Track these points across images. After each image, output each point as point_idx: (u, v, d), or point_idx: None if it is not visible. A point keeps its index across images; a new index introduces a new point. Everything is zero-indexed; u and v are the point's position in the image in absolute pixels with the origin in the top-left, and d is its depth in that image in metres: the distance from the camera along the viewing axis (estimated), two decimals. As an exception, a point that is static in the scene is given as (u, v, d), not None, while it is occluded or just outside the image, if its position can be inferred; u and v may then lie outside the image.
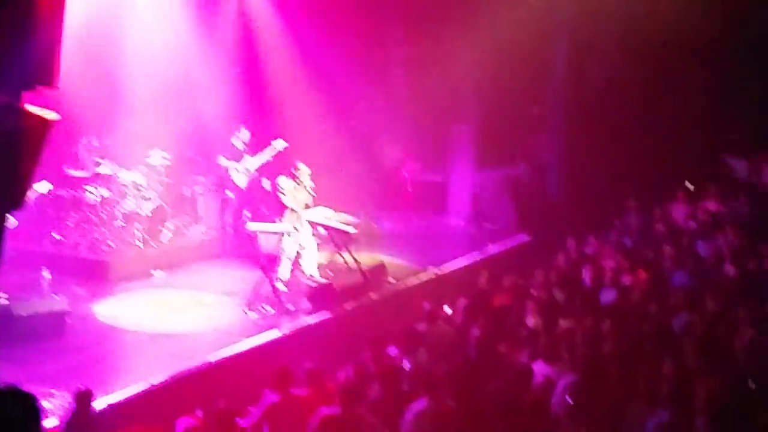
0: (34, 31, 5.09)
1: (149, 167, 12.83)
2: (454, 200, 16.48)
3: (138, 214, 12.35)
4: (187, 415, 7.07)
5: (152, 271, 12.04)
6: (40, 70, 5.14)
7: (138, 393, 8.25)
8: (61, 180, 12.18)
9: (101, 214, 12.18)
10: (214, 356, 9.26)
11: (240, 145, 13.21)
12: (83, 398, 6.93)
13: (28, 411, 3.19)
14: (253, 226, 11.71)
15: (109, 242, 12.10)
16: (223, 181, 13.42)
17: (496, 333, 8.74)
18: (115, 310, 10.74)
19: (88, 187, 12.20)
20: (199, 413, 7.28)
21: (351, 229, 12.10)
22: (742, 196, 14.41)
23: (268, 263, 11.10)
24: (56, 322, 9.66)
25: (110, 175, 12.36)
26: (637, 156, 15.66)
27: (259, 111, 14.57)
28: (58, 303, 9.85)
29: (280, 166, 12.45)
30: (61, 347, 9.37)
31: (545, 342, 8.03)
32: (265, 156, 13.06)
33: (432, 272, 12.68)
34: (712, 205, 14.39)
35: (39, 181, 10.97)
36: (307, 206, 11.66)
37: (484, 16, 14.83)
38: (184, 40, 13.81)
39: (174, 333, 10.07)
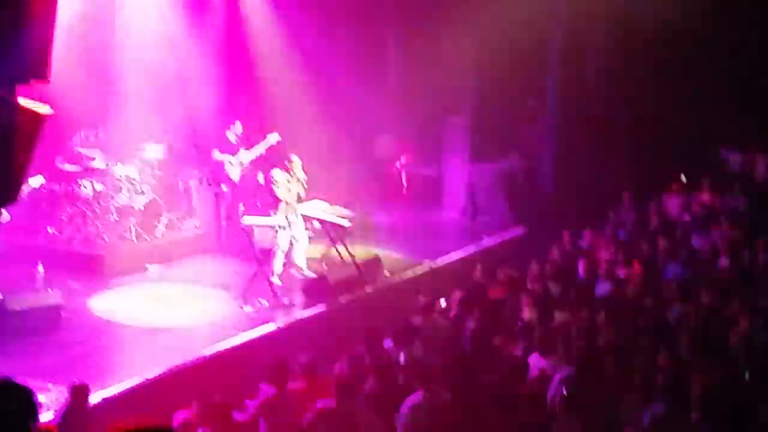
0: (27, 25, 5.07)
1: (143, 161, 12.80)
2: (448, 193, 16.48)
3: (132, 208, 12.32)
4: (183, 408, 7.07)
5: (147, 265, 12.02)
6: (34, 63, 5.12)
7: (133, 387, 8.24)
8: (54, 174, 12.14)
9: (95, 209, 12.15)
10: (210, 350, 9.25)
11: (233, 139, 13.19)
12: (79, 392, 6.93)
13: (24, 404, 3.19)
14: (248, 219, 11.70)
15: (104, 236, 12.07)
16: (218, 175, 13.41)
17: (491, 326, 8.74)
18: (110, 304, 10.73)
19: (82, 182, 12.16)
20: (195, 407, 7.29)
21: (346, 223, 12.10)
22: (736, 189, 14.44)
23: (263, 257, 11.10)
24: (51, 317, 9.64)
25: (104, 169, 12.33)
26: (632, 149, 15.68)
27: (252, 104, 14.54)
28: (52, 297, 9.84)
29: (274, 159, 12.43)
30: (56, 342, 9.35)
31: (540, 335, 8.03)
32: (259, 149, 13.04)
33: (427, 265, 12.69)
34: (706, 197, 14.43)
35: (33, 175, 10.96)
36: (300, 197, 11.67)
37: (480, 9, 14.80)
38: (176, 34, 13.77)
39: (169, 327, 10.06)
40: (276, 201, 11.56)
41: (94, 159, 12.33)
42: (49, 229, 12.12)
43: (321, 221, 12.34)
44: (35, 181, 11.18)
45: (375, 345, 8.32)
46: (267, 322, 10.22)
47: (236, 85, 14.50)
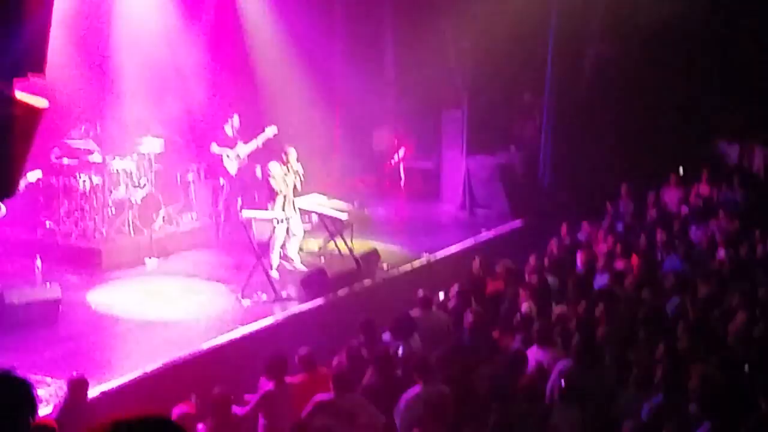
0: (23, 18, 5.05)
1: (140, 155, 12.78)
2: (446, 186, 16.47)
3: (130, 201, 12.31)
4: (181, 402, 7.08)
5: (145, 259, 12.01)
6: (30, 57, 5.10)
7: (132, 381, 8.24)
8: (52, 168, 12.12)
9: (93, 202, 12.13)
10: (208, 344, 9.25)
11: (231, 132, 13.18)
12: (77, 386, 6.93)
13: (23, 398, 3.18)
14: (246, 213, 11.70)
15: (101, 230, 12.06)
16: (216, 169, 13.40)
17: (489, 319, 8.75)
18: (108, 298, 10.72)
19: (80, 175, 12.14)
20: (194, 401, 7.30)
21: (343, 216, 12.10)
22: (734, 181, 14.45)
23: (261, 250, 11.10)
24: (49, 311, 9.64)
25: (101, 163, 12.30)
26: (629, 142, 15.68)
27: (250, 98, 14.51)
28: (51, 291, 9.82)
29: (271, 152, 12.42)
30: (55, 335, 9.35)
31: (539, 327, 8.04)
32: (257, 142, 13.04)
33: (425, 258, 12.69)
34: (704, 189, 14.44)
35: (30, 170, 10.94)
36: (296, 189, 11.67)
37: (477, 3, 14.78)
38: (173, 27, 13.73)
39: (167, 321, 10.05)
40: (273, 194, 11.56)
41: (91, 153, 12.31)
42: (47, 223, 12.11)
43: (319, 214, 12.35)
44: (33, 175, 11.16)
45: (373, 338, 8.33)
46: (265, 315, 10.22)
47: (233, 78, 14.46)
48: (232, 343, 9.40)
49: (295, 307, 10.56)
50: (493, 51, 14.84)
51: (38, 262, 10.73)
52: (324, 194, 12.74)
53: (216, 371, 8.48)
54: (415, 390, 6.92)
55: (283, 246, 11.65)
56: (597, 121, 15.52)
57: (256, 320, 10.00)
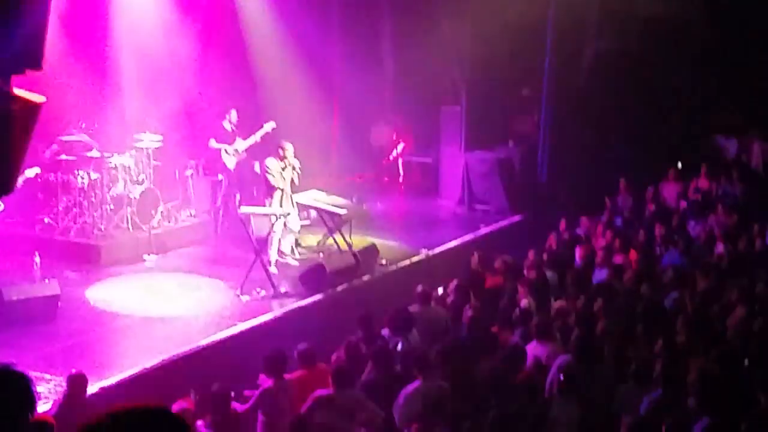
0: (21, 15, 5.05)
1: (139, 151, 12.76)
2: (444, 182, 16.47)
3: (128, 197, 12.30)
4: (181, 398, 7.08)
5: (144, 256, 12.00)
6: (28, 53, 5.10)
7: (131, 377, 8.24)
8: (50, 164, 12.10)
9: (91, 199, 12.12)
10: (207, 340, 9.25)
11: (229, 128, 13.18)
12: (76, 382, 6.92)
13: (22, 393, 3.18)
14: (244, 209, 11.70)
15: (100, 226, 12.05)
16: (214, 164, 13.39)
17: (488, 314, 8.76)
18: (106, 294, 10.71)
19: (78, 172, 12.12)
20: (193, 396, 7.30)
21: (342, 211, 12.10)
22: (732, 175, 14.46)
23: (260, 246, 11.09)
24: (48, 307, 9.63)
25: (100, 159, 12.29)
26: (628, 136, 15.68)
27: (248, 93, 14.49)
28: (49, 287, 9.82)
29: (269, 147, 12.41)
30: (53, 332, 9.34)
31: (538, 322, 8.05)
32: (255, 138, 13.04)
33: (424, 254, 12.69)
34: (703, 184, 14.44)
35: (29, 167, 10.93)
36: (294, 184, 11.67)
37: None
38: (171, 22, 13.70)
39: (166, 317, 10.05)
40: (271, 190, 11.56)
41: (90, 149, 12.29)
42: (46, 220, 12.10)
43: (318, 210, 12.35)
44: (30, 172, 11.15)
45: (372, 333, 8.33)
46: (264, 311, 10.21)
47: (232, 74, 14.44)
48: (231, 339, 9.40)
49: (294, 303, 10.55)
50: (492, 46, 14.83)
51: (37, 259, 10.72)
52: (322, 190, 12.74)
53: (215, 367, 8.48)
54: (414, 385, 6.93)
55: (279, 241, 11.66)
56: (595, 115, 15.51)
57: (255, 316, 10.00)
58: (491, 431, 6.31)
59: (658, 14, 14.61)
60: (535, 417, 6.61)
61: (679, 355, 7.16)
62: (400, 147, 17.34)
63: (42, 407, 6.90)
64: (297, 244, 12.42)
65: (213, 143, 13.17)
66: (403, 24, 16.22)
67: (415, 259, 12.50)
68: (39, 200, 12.24)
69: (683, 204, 14.15)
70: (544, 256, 10.92)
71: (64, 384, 7.04)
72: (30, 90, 5.03)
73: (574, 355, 7.26)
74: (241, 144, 13.14)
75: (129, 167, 12.53)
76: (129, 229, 12.26)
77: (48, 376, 7.99)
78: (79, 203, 12.09)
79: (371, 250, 11.99)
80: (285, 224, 11.68)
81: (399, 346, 8.04)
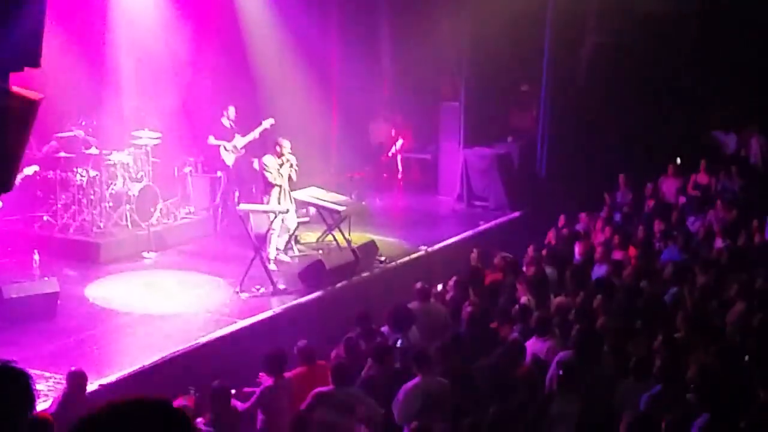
0: (19, 13, 5.04)
1: (138, 148, 12.76)
2: (443, 178, 16.46)
3: (127, 195, 12.29)
4: (180, 396, 7.08)
5: (143, 253, 12.00)
6: (26, 50, 5.10)
7: (130, 374, 8.24)
8: (49, 162, 12.10)
9: (90, 196, 12.11)
10: (207, 337, 9.25)
11: (228, 124, 13.18)
12: (76, 380, 6.93)
13: (22, 389, 3.17)
14: (244, 206, 11.70)
15: (99, 224, 12.04)
16: (213, 161, 13.39)
17: (487, 310, 8.76)
18: (106, 291, 10.70)
19: (77, 169, 12.12)
20: (193, 394, 7.30)
21: (341, 208, 12.10)
22: (732, 170, 14.46)
23: (259, 243, 11.09)
24: (47, 304, 9.62)
25: (99, 156, 12.28)
26: (627, 132, 15.67)
27: (246, 90, 14.47)
28: (49, 285, 9.81)
29: (268, 144, 12.40)
30: (53, 329, 9.34)
31: (537, 318, 8.05)
32: (254, 134, 13.04)
33: (423, 250, 12.69)
34: (702, 179, 14.45)
35: (27, 164, 10.92)
36: (291, 180, 11.66)
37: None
38: (169, 18, 13.68)
39: (165, 314, 10.04)
40: (269, 187, 11.56)
41: (88, 146, 12.28)
42: (45, 217, 12.09)
43: (317, 207, 12.35)
44: (29, 169, 11.14)
45: (371, 330, 8.33)
46: (264, 308, 10.21)
47: (230, 70, 14.42)
48: (231, 336, 9.40)
49: (294, 300, 10.55)
50: (490, 42, 14.82)
51: (36, 257, 10.71)
52: (321, 187, 12.74)
53: (215, 365, 8.48)
54: (413, 382, 6.93)
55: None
56: (594, 111, 15.50)
57: (254, 313, 10.00)
58: (491, 427, 6.32)
59: (657, 9, 14.61)
60: (535, 413, 6.61)
61: (678, 350, 7.16)
62: (399, 143, 17.33)
63: (42, 405, 6.90)
64: (296, 241, 12.42)
65: (212, 140, 13.16)
66: (402, 20, 16.20)
67: (414, 255, 12.49)
68: (38, 198, 12.24)
69: (682, 199, 14.16)
70: (544, 252, 10.92)
71: (64, 381, 7.04)
72: (28, 88, 5.03)
73: (573, 351, 7.26)
74: (240, 141, 13.14)
75: (128, 164, 12.52)
76: (128, 226, 12.26)
77: (47, 374, 7.98)
78: (78, 201, 12.08)
79: (370, 247, 11.99)
80: (283, 221, 11.68)
81: (398, 343, 8.04)
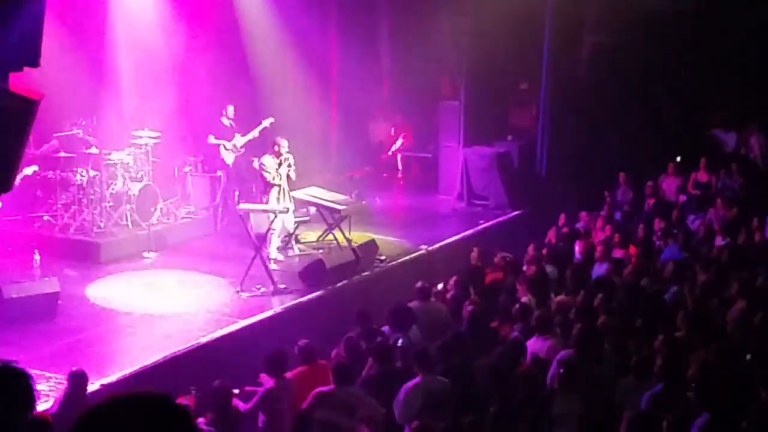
0: (19, 13, 5.04)
1: (138, 147, 12.76)
2: (443, 177, 16.46)
3: (127, 195, 12.29)
4: (181, 396, 7.07)
5: (143, 253, 11.99)
6: (25, 50, 5.10)
7: (131, 374, 8.24)
8: (49, 161, 12.10)
9: (90, 196, 12.11)
10: (207, 337, 9.25)
11: (228, 123, 13.18)
12: (77, 380, 6.92)
13: (22, 389, 3.17)
14: (244, 206, 11.70)
15: (99, 223, 12.04)
16: (213, 161, 13.38)
17: (488, 309, 8.76)
18: (106, 291, 10.69)
19: (77, 169, 12.12)
20: (194, 394, 7.30)
21: (341, 207, 12.10)
22: (732, 168, 14.46)
23: (259, 243, 11.08)
24: (48, 305, 9.62)
25: (99, 156, 12.28)
26: (627, 130, 15.67)
27: (246, 89, 14.47)
28: (49, 285, 9.81)
29: (268, 143, 12.40)
30: (53, 329, 9.33)
31: (538, 317, 8.05)
32: (254, 133, 13.05)
33: (423, 249, 12.68)
34: (703, 177, 14.45)
35: (27, 164, 10.91)
36: (290, 179, 11.66)
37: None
38: (169, 18, 13.68)
39: (166, 314, 10.03)
40: (268, 187, 11.56)
41: (88, 146, 12.28)
42: (45, 217, 12.09)
43: (317, 206, 12.35)
44: (28, 169, 11.14)
45: (368, 328, 8.33)
46: (264, 308, 10.21)
47: (230, 70, 14.42)
48: (232, 336, 9.40)
49: (294, 300, 10.55)
50: (490, 41, 14.81)
51: (36, 257, 10.71)
52: (322, 186, 12.74)
53: (216, 364, 8.47)
54: (414, 381, 6.93)
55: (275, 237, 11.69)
56: (594, 109, 15.50)
57: (255, 313, 9.99)
58: (492, 426, 6.32)
59: (656, 7, 14.60)
60: (536, 412, 6.61)
61: (679, 349, 7.16)
62: (399, 143, 17.33)
63: (43, 405, 6.90)
64: (297, 240, 12.42)
65: (212, 139, 13.17)
66: (401, 19, 16.21)
67: (414, 254, 12.49)
68: (38, 198, 12.24)
69: (683, 198, 14.16)
70: (544, 251, 10.92)
71: (65, 382, 7.03)
72: (28, 87, 5.02)
73: (574, 349, 7.25)
74: (240, 140, 13.14)
75: (128, 164, 12.52)
76: (128, 226, 12.26)
77: (48, 374, 7.97)
78: (79, 200, 12.08)
79: (371, 246, 11.99)
80: (284, 222, 11.67)
81: (399, 342, 8.04)
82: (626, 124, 15.68)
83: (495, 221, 14.55)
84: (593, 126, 15.50)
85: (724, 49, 15.35)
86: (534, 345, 7.71)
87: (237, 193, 13.23)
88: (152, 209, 12.50)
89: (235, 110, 13.29)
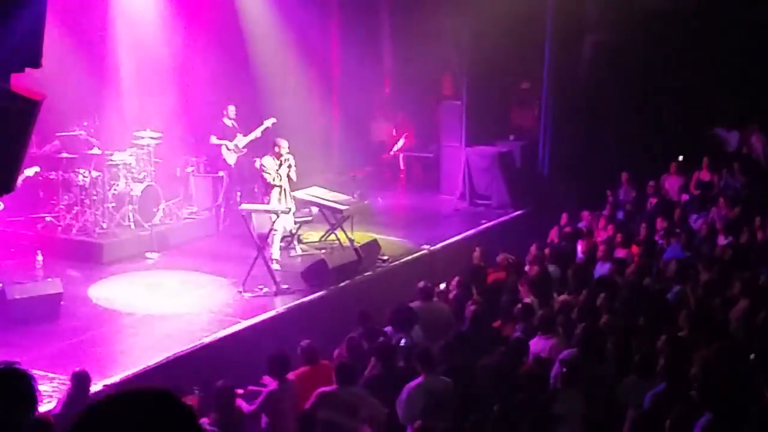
0: (19, 13, 5.04)
1: (140, 148, 12.77)
2: (445, 177, 16.45)
3: (130, 195, 12.30)
4: (184, 396, 7.07)
5: (146, 253, 12.00)
6: (26, 51, 5.09)
7: (134, 374, 8.24)
8: (51, 162, 12.11)
9: (93, 197, 12.12)
10: (210, 337, 9.25)
11: (229, 124, 13.18)
12: (80, 380, 6.92)
13: (25, 390, 3.18)
14: (246, 206, 11.70)
15: (102, 224, 12.05)
16: (215, 161, 13.39)
17: (490, 309, 8.75)
18: (109, 292, 10.70)
19: (80, 170, 12.13)
20: (197, 394, 7.30)
21: (343, 207, 12.10)
22: (734, 167, 14.44)
23: (261, 243, 11.09)
24: (51, 305, 9.63)
25: (101, 157, 12.29)
26: (629, 129, 15.66)
27: (248, 89, 14.48)
28: (52, 286, 9.81)
29: (269, 143, 12.41)
30: (56, 330, 9.34)
31: (541, 316, 8.04)
32: (256, 133, 13.05)
33: (425, 249, 12.68)
34: (705, 176, 14.43)
35: (29, 165, 10.92)
36: (290, 179, 11.67)
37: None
38: (170, 18, 13.69)
39: (169, 314, 10.04)
40: (269, 188, 11.57)
41: (91, 146, 12.29)
42: (48, 218, 12.10)
43: (319, 206, 12.35)
44: (30, 171, 11.15)
45: (370, 328, 8.33)
46: (267, 308, 10.21)
47: (231, 70, 14.43)
48: (234, 336, 9.40)
49: (296, 300, 10.55)
50: (491, 40, 14.81)
51: (39, 257, 10.71)
52: (324, 186, 12.74)
53: (218, 365, 8.47)
54: (417, 381, 6.92)
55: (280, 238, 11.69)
56: (596, 109, 15.49)
57: (257, 313, 10.00)
58: (494, 426, 6.31)
59: (657, 6, 14.59)
60: (539, 411, 6.61)
61: (682, 348, 7.15)
62: (401, 142, 17.33)
63: (46, 406, 6.91)
64: (299, 240, 12.42)
65: (214, 140, 13.17)
66: (402, 19, 16.21)
67: (416, 254, 12.49)
68: (40, 199, 12.25)
69: (685, 197, 14.14)
70: (546, 251, 10.91)
71: (68, 382, 7.04)
72: (30, 88, 5.02)
73: (577, 349, 7.25)
74: (242, 140, 13.14)
75: (130, 165, 12.53)
76: (131, 226, 12.27)
77: (51, 375, 7.98)
78: (81, 201, 12.09)
79: (373, 246, 11.99)
80: (285, 222, 11.65)
81: (401, 342, 8.04)
82: (628, 123, 15.68)
83: (497, 221, 14.54)
84: (595, 125, 15.49)
85: (724, 49, 15.33)
86: (536, 344, 7.71)
87: (239, 193, 13.24)
88: (154, 210, 12.51)
89: (236, 110, 13.30)
